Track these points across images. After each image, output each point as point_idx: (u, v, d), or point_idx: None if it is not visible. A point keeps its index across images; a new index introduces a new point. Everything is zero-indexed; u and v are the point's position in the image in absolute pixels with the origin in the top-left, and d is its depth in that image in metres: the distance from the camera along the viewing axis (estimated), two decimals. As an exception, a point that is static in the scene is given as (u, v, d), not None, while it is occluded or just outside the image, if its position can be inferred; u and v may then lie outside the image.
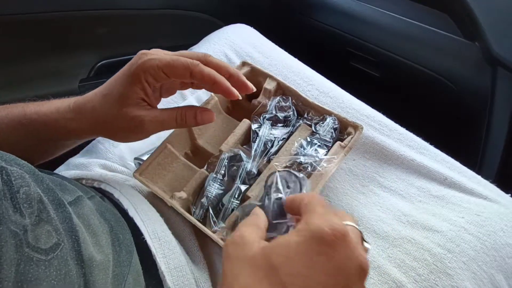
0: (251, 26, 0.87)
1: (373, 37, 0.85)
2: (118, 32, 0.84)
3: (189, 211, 0.49)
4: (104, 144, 0.61)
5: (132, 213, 0.44)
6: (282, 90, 0.59)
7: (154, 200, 0.49)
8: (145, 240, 0.41)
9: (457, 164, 0.52)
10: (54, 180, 0.38)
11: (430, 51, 0.75)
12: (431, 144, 0.56)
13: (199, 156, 0.58)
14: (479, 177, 0.50)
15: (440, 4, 0.72)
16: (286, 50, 0.76)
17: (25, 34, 0.73)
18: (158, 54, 0.37)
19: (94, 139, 0.63)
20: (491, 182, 0.50)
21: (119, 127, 0.39)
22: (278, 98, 0.57)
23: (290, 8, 1.03)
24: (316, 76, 0.68)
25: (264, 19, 1.07)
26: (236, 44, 0.74)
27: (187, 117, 0.39)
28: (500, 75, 0.61)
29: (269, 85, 0.58)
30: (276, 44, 0.78)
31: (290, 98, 0.57)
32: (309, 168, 0.49)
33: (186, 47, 0.82)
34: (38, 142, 0.43)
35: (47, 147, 0.45)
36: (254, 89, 0.40)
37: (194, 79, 0.37)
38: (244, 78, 0.39)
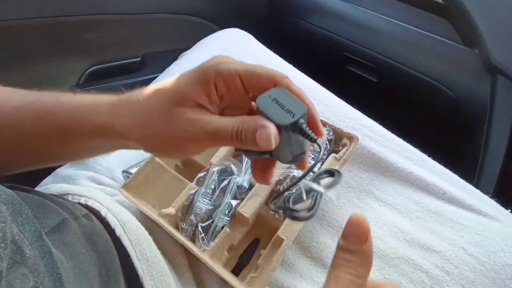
0: (247, 30, 0.85)
1: (371, 42, 0.83)
2: (110, 37, 0.82)
3: (178, 228, 0.47)
4: (92, 155, 0.59)
5: (119, 232, 0.42)
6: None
7: (143, 216, 0.48)
8: (133, 261, 0.39)
9: (455, 177, 0.50)
10: (36, 202, 0.35)
11: (428, 57, 0.74)
12: (428, 152, 0.54)
13: (190, 168, 0.56)
14: (478, 191, 0.48)
15: (440, 10, 0.70)
16: (282, 54, 0.74)
17: (12, 41, 0.71)
18: (238, 60, 0.29)
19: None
20: (490, 196, 0.49)
21: (162, 131, 0.29)
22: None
23: (287, 12, 1.02)
24: (311, 84, 0.66)
25: (260, 23, 1.06)
26: (229, 50, 0.73)
27: (245, 133, 0.26)
28: (499, 83, 0.60)
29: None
30: (272, 48, 0.77)
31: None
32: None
33: (180, 51, 0.80)
34: (59, 137, 0.33)
35: (66, 146, 0.35)
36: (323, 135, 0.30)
37: None
38: (319, 121, 0.29)
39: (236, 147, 0.27)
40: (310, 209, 0.31)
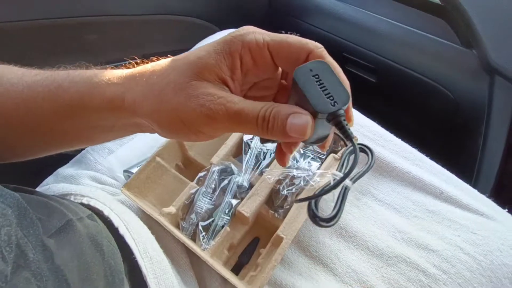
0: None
1: (370, 43, 0.84)
2: (109, 39, 0.82)
3: (178, 227, 0.48)
4: (93, 154, 0.60)
5: (122, 231, 0.42)
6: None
7: (145, 215, 0.48)
8: (136, 260, 0.40)
9: (453, 177, 0.50)
10: (40, 204, 0.35)
11: (427, 58, 0.74)
12: (427, 153, 0.55)
13: (191, 168, 0.56)
14: (475, 191, 0.49)
15: (438, 11, 0.71)
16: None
17: (11, 43, 0.71)
18: (263, 30, 0.26)
19: (83, 149, 0.62)
20: (487, 196, 0.49)
21: (177, 105, 0.24)
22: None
23: (286, 12, 1.02)
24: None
25: (259, 24, 1.06)
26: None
27: (273, 119, 0.22)
28: (497, 84, 0.60)
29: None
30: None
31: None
32: (302, 183, 0.48)
33: (180, 52, 0.81)
34: (71, 113, 0.30)
35: (77, 124, 0.31)
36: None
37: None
38: (351, 107, 0.26)
39: (259, 135, 0.24)
40: (334, 216, 0.28)
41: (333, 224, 0.26)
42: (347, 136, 0.22)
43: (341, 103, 0.21)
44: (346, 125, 0.22)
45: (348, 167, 0.27)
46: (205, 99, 0.23)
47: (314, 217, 0.27)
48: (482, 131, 0.64)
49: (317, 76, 0.22)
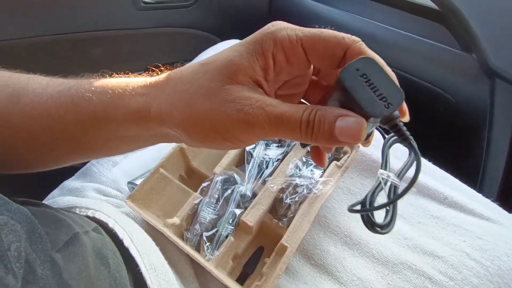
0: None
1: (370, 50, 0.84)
2: (113, 52, 0.84)
3: (183, 238, 0.48)
4: (98, 167, 0.61)
5: (127, 243, 0.42)
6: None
7: (149, 226, 0.48)
8: (141, 272, 0.40)
9: (457, 182, 0.50)
10: (48, 217, 0.36)
11: (426, 63, 0.74)
12: (431, 158, 0.55)
13: (195, 178, 0.57)
14: (480, 195, 0.49)
15: (436, 16, 0.71)
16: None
17: (16, 59, 0.73)
18: (294, 25, 0.24)
19: (88, 162, 0.63)
20: (493, 200, 0.49)
21: (210, 111, 0.23)
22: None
23: (286, 21, 1.03)
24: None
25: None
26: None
27: (318, 122, 0.20)
28: (498, 87, 0.60)
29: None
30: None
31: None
32: (305, 191, 0.48)
33: (182, 64, 0.82)
34: (95, 125, 0.29)
35: (103, 135, 0.30)
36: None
37: (348, 59, 0.23)
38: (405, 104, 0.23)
39: (301, 140, 0.22)
40: (389, 223, 0.25)
41: (390, 230, 0.25)
42: (405, 138, 0.21)
43: (396, 103, 0.19)
44: (403, 126, 0.20)
45: (403, 169, 0.26)
46: (242, 104, 0.22)
47: (373, 225, 0.25)
48: (485, 134, 0.64)
49: (365, 76, 0.20)
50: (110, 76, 0.30)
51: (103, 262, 0.36)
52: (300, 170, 0.51)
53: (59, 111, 0.29)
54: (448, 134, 0.77)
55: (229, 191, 0.50)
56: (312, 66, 0.25)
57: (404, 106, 0.22)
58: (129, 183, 0.55)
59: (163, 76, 0.26)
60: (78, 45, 0.78)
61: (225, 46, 0.80)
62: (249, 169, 0.52)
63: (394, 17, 0.81)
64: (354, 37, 0.22)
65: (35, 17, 0.71)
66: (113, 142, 0.31)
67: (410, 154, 0.26)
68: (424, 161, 0.53)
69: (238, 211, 0.48)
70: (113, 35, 0.80)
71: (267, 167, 0.52)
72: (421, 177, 0.51)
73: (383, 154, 0.30)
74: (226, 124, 0.22)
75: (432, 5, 0.72)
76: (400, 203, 0.50)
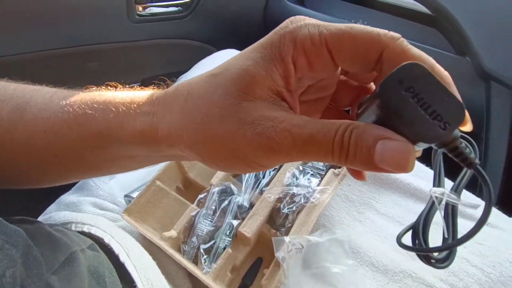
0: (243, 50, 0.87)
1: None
2: (109, 65, 0.84)
3: (180, 251, 0.47)
4: (95, 180, 0.60)
5: (123, 258, 0.42)
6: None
7: (146, 240, 0.48)
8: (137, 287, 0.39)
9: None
10: (44, 236, 0.34)
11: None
12: (429, 162, 0.54)
13: (192, 189, 0.56)
14: (478, 199, 0.48)
15: (430, 20, 0.72)
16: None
17: (12, 75, 0.74)
18: (316, 20, 0.20)
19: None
20: (494, 205, 0.48)
21: (225, 135, 0.19)
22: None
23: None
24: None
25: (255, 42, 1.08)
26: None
27: (354, 145, 0.17)
28: (493, 89, 0.60)
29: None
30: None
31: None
32: (302, 200, 0.48)
33: (179, 74, 0.83)
34: (100, 144, 0.27)
35: (108, 154, 0.28)
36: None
37: (382, 70, 0.19)
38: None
39: (333, 163, 0.18)
40: (447, 256, 0.21)
41: (449, 265, 0.21)
42: (469, 163, 0.17)
43: (455, 122, 0.15)
44: (465, 148, 0.17)
45: (460, 184, 0.21)
46: (264, 126, 0.18)
47: (429, 260, 0.21)
48: (483, 137, 0.64)
49: (412, 90, 0.15)
50: (115, 89, 0.29)
51: (99, 281, 0.35)
52: (297, 179, 0.51)
53: (62, 128, 0.28)
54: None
55: (226, 202, 0.49)
56: (340, 68, 0.21)
57: (467, 116, 0.17)
58: (125, 196, 0.55)
59: (170, 91, 0.23)
60: (74, 59, 0.78)
61: (221, 56, 0.80)
62: (246, 179, 0.52)
63: (389, 23, 0.82)
64: (393, 33, 0.18)
65: (31, 33, 0.72)
66: (120, 161, 0.29)
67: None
68: (421, 166, 0.53)
69: (235, 222, 0.48)
70: (108, 48, 0.81)
71: (264, 177, 0.52)
72: (418, 182, 0.50)
73: (435, 167, 0.24)
74: (245, 149, 0.19)
75: (426, 10, 0.72)
76: (399, 209, 0.50)
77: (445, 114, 0.15)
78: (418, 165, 0.53)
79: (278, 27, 0.20)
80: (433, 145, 0.16)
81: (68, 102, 0.28)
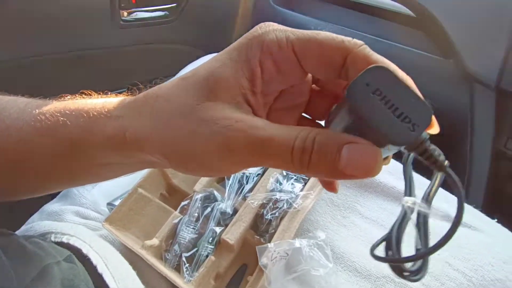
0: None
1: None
2: (94, 71, 0.84)
3: (162, 259, 0.47)
4: (78, 188, 0.59)
5: (101, 269, 0.41)
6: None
7: (127, 249, 0.47)
8: None
9: (439, 189, 0.50)
10: (18, 250, 0.34)
11: (408, 70, 0.74)
12: (417, 165, 0.54)
13: (176, 196, 0.56)
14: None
15: (416, 23, 0.72)
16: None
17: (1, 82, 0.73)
18: (285, 27, 0.20)
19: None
20: (475, 206, 0.48)
21: (185, 135, 0.20)
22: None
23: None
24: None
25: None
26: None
27: (318, 150, 0.16)
28: (477, 91, 0.60)
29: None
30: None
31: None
32: (285, 206, 0.47)
33: (166, 79, 0.82)
34: (72, 151, 0.26)
35: (82, 162, 0.27)
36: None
37: (349, 77, 0.19)
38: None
39: (294, 172, 0.18)
40: (420, 268, 0.21)
41: (422, 277, 0.20)
42: (439, 166, 0.17)
43: (423, 123, 0.15)
44: (435, 150, 0.16)
45: (430, 191, 0.20)
46: (219, 125, 0.18)
47: (401, 272, 0.20)
48: (469, 138, 0.64)
49: (378, 93, 0.15)
50: (90, 96, 0.28)
51: None
52: (281, 184, 0.50)
53: (34, 137, 0.27)
54: (435, 141, 0.77)
55: (209, 209, 0.49)
56: (310, 74, 0.22)
57: (433, 120, 0.17)
58: (108, 204, 0.54)
59: (141, 95, 0.23)
60: (59, 65, 0.77)
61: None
62: (229, 185, 0.51)
63: (377, 26, 0.82)
64: (356, 40, 0.19)
65: (13, 40, 0.71)
66: (93, 170, 0.28)
67: (434, 172, 0.20)
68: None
69: (218, 229, 0.47)
70: (94, 54, 0.80)
71: (247, 182, 0.52)
72: (402, 185, 0.50)
73: (405, 176, 0.24)
74: (202, 149, 0.19)
75: (411, 13, 0.73)
76: (383, 212, 0.50)
77: (413, 116, 0.15)
78: (401, 169, 0.53)
79: (248, 32, 0.20)
80: (402, 149, 0.16)
81: (41, 111, 0.28)
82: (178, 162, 0.21)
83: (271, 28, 0.20)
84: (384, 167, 0.51)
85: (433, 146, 0.16)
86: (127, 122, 0.22)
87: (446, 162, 0.17)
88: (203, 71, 0.20)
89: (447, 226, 0.44)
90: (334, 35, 0.19)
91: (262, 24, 0.20)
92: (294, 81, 0.21)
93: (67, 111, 0.26)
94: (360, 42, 0.19)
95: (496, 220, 0.46)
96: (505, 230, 0.45)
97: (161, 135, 0.20)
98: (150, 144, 0.21)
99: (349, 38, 0.19)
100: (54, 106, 0.27)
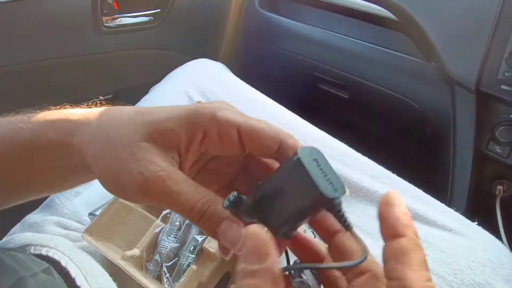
0: (217, 58, 0.86)
1: (337, 62, 0.85)
2: (79, 78, 0.83)
3: (143, 269, 0.46)
4: (61, 198, 0.59)
5: (80, 281, 0.41)
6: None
7: (108, 260, 0.46)
8: None
9: (420, 192, 0.50)
10: None
11: (391, 73, 0.75)
12: (402, 167, 0.55)
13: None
14: (442, 205, 0.48)
15: (398, 26, 0.73)
16: (254, 77, 0.75)
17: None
18: (238, 111, 0.24)
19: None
20: (456, 209, 0.49)
21: (119, 162, 0.22)
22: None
23: (258, 38, 1.04)
24: (278, 109, 0.67)
25: (233, 51, 1.08)
26: (197, 81, 0.74)
27: (207, 217, 0.21)
28: (458, 94, 0.61)
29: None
30: (244, 72, 0.78)
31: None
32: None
33: (152, 84, 0.81)
34: (24, 159, 0.28)
35: (32, 169, 0.29)
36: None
37: (282, 153, 0.23)
38: None
39: (189, 220, 0.22)
40: None
41: None
42: (347, 225, 0.21)
43: (341, 190, 0.20)
44: (345, 212, 0.20)
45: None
46: (146, 167, 0.21)
47: None
48: (451, 140, 0.64)
49: (316, 161, 0.20)
50: (48, 109, 0.29)
51: None
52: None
53: None
54: (418, 142, 0.78)
55: (191, 217, 0.48)
56: (246, 152, 0.25)
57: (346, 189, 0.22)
58: (90, 214, 0.53)
59: (96, 110, 0.25)
60: (41, 73, 0.76)
61: (191, 67, 0.79)
62: (212, 193, 0.51)
63: (362, 30, 0.83)
64: (288, 133, 0.23)
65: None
66: (43, 175, 0.30)
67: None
68: (387, 173, 0.53)
69: (200, 238, 0.47)
70: (76, 61, 0.79)
71: (230, 190, 0.51)
72: (385, 189, 0.50)
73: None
74: (125, 179, 0.22)
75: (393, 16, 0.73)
76: (365, 218, 0.50)
77: (335, 183, 0.20)
78: (385, 172, 0.53)
79: (208, 102, 0.25)
80: (324, 207, 0.20)
81: (3, 120, 0.29)
82: (103, 179, 0.23)
83: (224, 106, 0.24)
84: (366, 170, 0.51)
85: (344, 209, 0.20)
86: (76, 127, 0.25)
87: (352, 224, 0.20)
88: (152, 115, 0.23)
89: (428, 229, 0.43)
90: (273, 127, 0.23)
91: (217, 101, 0.24)
92: (231, 153, 0.24)
93: (25, 117, 0.28)
94: (290, 134, 0.23)
95: (476, 223, 0.47)
96: (485, 233, 0.46)
97: (98, 149, 0.23)
98: (88, 152, 0.24)
99: (283, 131, 0.23)
100: (14, 117, 0.29)
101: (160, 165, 0.21)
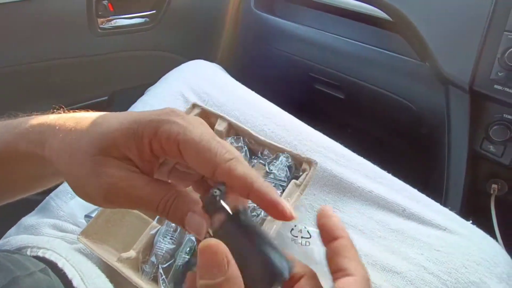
0: (213, 59, 0.86)
1: (333, 62, 0.86)
2: (75, 79, 0.82)
3: (139, 271, 0.46)
4: (56, 200, 0.58)
5: (76, 283, 0.41)
6: (234, 130, 0.57)
7: (105, 262, 0.46)
8: None
9: (415, 192, 0.50)
10: None
11: (386, 73, 0.76)
12: (399, 168, 0.55)
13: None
14: (437, 204, 0.49)
15: (392, 27, 0.73)
16: (250, 77, 0.75)
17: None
18: (190, 124, 0.23)
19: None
20: (450, 208, 0.49)
21: (83, 176, 0.24)
22: (229, 139, 0.55)
23: (253, 39, 1.04)
24: (273, 109, 0.67)
25: (229, 51, 1.08)
26: (193, 82, 0.74)
27: (172, 213, 0.23)
28: (452, 93, 0.61)
29: (220, 126, 0.57)
30: (240, 73, 0.78)
31: (242, 138, 0.56)
32: (262, 213, 0.47)
33: (148, 85, 0.81)
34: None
35: (7, 176, 0.31)
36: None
37: (218, 178, 0.22)
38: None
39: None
40: None
41: None
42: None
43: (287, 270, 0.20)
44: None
45: None
46: (106, 181, 0.23)
47: None
48: (446, 139, 0.65)
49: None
50: (15, 117, 0.30)
51: None
52: (259, 191, 0.50)
53: None
54: (413, 142, 0.78)
55: (187, 219, 0.48)
56: None
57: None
58: (86, 216, 0.53)
59: (62, 119, 0.27)
60: (36, 75, 0.76)
61: (187, 68, 0.79)
62: (208, 194, 0.51)
63: (357, 30, 0.83)
64: (226, 156, 0.22)
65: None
66: (18, 183, 0.32)
67: None
68: (382, 173, 0.53)
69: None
70: (72, 62, 0.79)
71: (226, 190, 0.51)
72: (380, 189, 0.51)
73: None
74: (91, 192, 0.24)
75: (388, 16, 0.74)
76: (361, 217, 0.50)
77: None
78: (380, 172, 0.53)
79: (156, 112, 0.24)
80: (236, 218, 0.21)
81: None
82: (75, 188, 0.25)
83: (171, 120, 0.23)
84: (361, 170, 0.51)
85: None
86: (45, 138, 0.26)
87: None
88: (104, 127, 0.24)
89: (423, 229, 0.44)
90: (212, 147, 0.22)
91: (167, 111, 0.24)
92: (182, 162, 0.25)
93: (9, 123, 0.29)
94: (228, 157, 0.22)
95: (471, 222, 0.47)
96: (479, 231, 0.46)
97: (65, 162, 0.25)
98: (58, 162, 0.25)
99: (223, 154, 0.22)
100: (5, 122, 0.30)
101: (119, 176, 0.23)
